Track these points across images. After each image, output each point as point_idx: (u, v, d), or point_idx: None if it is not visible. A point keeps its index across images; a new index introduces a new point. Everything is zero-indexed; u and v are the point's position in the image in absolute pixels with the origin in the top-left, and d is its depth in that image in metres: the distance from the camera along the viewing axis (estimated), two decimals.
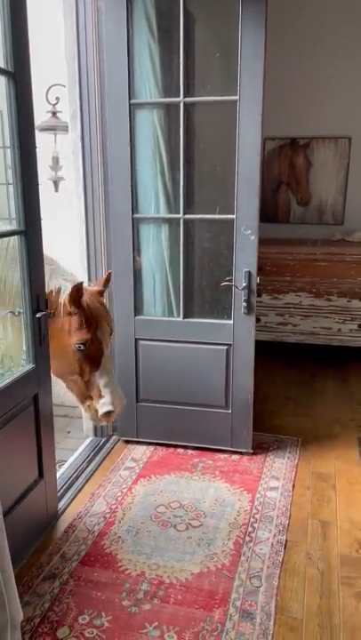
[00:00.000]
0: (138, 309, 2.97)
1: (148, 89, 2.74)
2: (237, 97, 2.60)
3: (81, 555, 2.22)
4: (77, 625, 1.87)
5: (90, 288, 2.49)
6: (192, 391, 2.98)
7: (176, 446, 3.04)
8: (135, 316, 2.95)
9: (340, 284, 4.26)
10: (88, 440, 3.19)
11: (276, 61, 3.91)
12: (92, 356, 2.36)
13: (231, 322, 2.85)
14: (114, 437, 3.19)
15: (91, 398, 2.41)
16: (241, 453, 2.98)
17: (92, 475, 2.81)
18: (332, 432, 3.27)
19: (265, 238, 4.02)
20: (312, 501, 2.58)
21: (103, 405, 2.37)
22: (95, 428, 3.21)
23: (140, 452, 3.01)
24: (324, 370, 4.25)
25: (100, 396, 2.37)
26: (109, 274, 2.60)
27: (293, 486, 2.69)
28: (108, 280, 2.57)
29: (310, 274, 4.30)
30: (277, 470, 2.83)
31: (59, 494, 2.57)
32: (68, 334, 2.34)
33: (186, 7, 2.58)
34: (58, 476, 2.60)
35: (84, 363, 2.36)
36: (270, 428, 3.29)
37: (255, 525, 2.39)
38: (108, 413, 2.37)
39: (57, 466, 2.57)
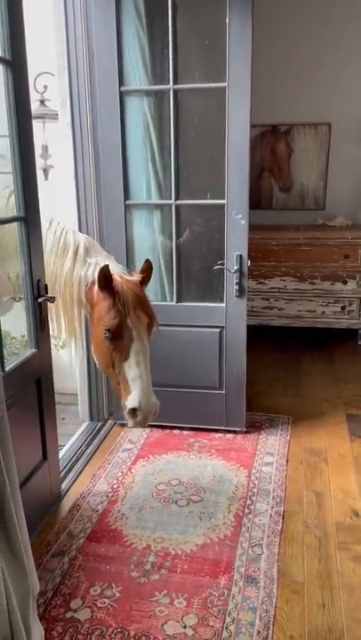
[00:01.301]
0: None
1: (138, 76, 2.78)
2: (226, 84, 2.66)
3: (87, 532, 2.29)
4: (89, 596, 1.94)
5: (128, 277, 2.33)
6: (186, 373, 3.06)
7: (172, 427, 3.12)
8: None
9: (323, 268, 4.37)
10: (84, 425, 3.25)
11: (257, 49, 3.96)
12: (121, 345, 2.17)
13: (224, 305, 2.92)
14: (110, 421, 3.25)
15: (123, 396, 2.22)
16: (235, 432, 3.07)
17: (91, 457, 2.88)
18: (320, 410, 3.38)
19: (249, 224, 4.10)
20: (306, 474, 2.68)
21: (129, 402, 2.17)
22: (91, 413, 3.27)
23: (137, 435, 3.08)
24: (310, 352, 4.37)
25: (129, 392, 2.17)
26: (148, 262, 2.34)
27: (287, 461, 2.79)
28: (147, 269, 2.33)
29: (294, 258, 4.40)
30: (271, 447, 2.93)
31: (61, 476, 2.63)
32: (100, 320, 2.22)
33: None
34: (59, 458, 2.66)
35: (113, 351, 2.19)
36: (262, 407, 3.39)
37: (253, 498, 2.49)
38: (132, 411, 2.16)
39: None
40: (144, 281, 2.33)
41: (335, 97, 4.50)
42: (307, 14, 4.36)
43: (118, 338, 2.17)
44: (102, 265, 2.19)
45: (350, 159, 4.58)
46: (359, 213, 4.65)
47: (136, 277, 2.32)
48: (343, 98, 4.48)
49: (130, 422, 2.21)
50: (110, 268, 2.21)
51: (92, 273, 2.30)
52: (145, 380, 2.18)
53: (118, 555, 2.15)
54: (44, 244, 2.30)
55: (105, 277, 2.16)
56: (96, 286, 2.23)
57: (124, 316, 2.16)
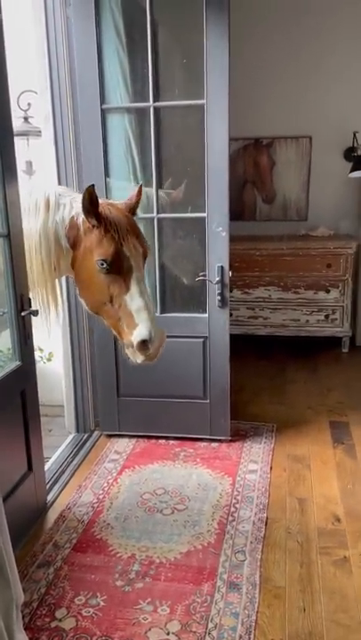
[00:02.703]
0: None
1: (119, 94, 2.85)
2: (204, 101, 2.73)
3: (73, 542, 2.31)
4: (74, 605, 1.97)
5: (116, 202, 2.17)
6: (171, 383, 3.10)
7: (158, 437, 3.15)
8: None
9: (306, 277, 4.45)
10: (71, 436, 3.28)
11: (238, 65, 4.06)
12: (119, 276, 2.01)
13: (206, 315, 2.98)
14: (96, 432, 3.28)
15: (125, 333, 2.05)
16: (220, 441, 3.11)
17: (77, 468, 2.90)
18: (305, 417, 3.44)
19: (233, 235, 4.14)
20: (289, 481, 2.73)
21: (137, 335, 2.00)
22: (77, 425, 3.30)
23: (123, 445, 3.11)
24: (294, 360, 4.43)
25: (134, 325, 2.00)
26: (140, 186, 2.21)
27: (271, 468, 2.84)
28: (137, 196, 2.18)
29: (278, 268, 4.47)
30: (255, 454, 2.98)
31: (47, 487, 2.65)
32: (90, 253, 2.03)
33: (153, 15, 2.69)
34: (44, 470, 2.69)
35: (111, 284, 2.02)
36: (247, 416, 3.44)
37: (237, 506, 2.53)
38: (143, 343, 2.01)
39: None
40: (134, 209, 2.17)
41: (316, 111, 4.60)
42: (288, 30, 4.47)
43: (116, 268, 2.00)
44: (87, 188, 1.94)
45: (331, 171, 4.68)
46: (341, 223, 4.74)
47: (125, 204, 2.15)
48: (323, 111, 4.58)
49: (139, 358, 2.07)
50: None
51: (69, 212, 2.13)
52: (151, 309, 2.04)
53: (103, 564, 2.18)
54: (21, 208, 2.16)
55: (90, 198, 1.96)
56: (80, 218, 2.06)
57: (119, 244, 2.00)
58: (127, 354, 2.12)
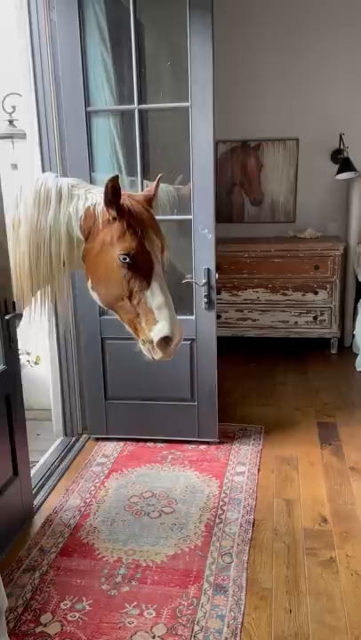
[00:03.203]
0: (103, 310, 3.06)
1: (104, 96, 2.85)
2: (189, 103, 2.73)
3: (59, 547, 2.30)
4: (60, 610, 1.95)
5: (135, 195, 2.08)
6: (159, 386, 3.10)
7: (145, 440, 3.14)
8: (100, 316, 3.04)
9: (294, 279, 4.46)
10: (58, 440, 3.26)
11: (224, 67, 4.09)
12: (141, 271, 1.96)
13: (193, 317, 2.98)
14: (84, 436, 3.27)
15: (143, 329, 2.01)
16: (208, 443, 3.11)
17: (64, 472, 2.89)
18: (293, 419, 3.44)
19: (222, 238, 4.18)
20: (276, 482, 2.73)
21: (158, 331, 1.96)
22: (65, 428, 3.29)
23: (111, 449, 3.10)
24: (283, 361, 4.44)
25: (155, 321, 1.96)
26: (159, 179, 2.14)
27: (259, 470, 2.84)
28: (157, 186, 2.12)
29: (266, 270, 4.48)
30: (243, 456, 2.98)
31: (33, 492, 2.64)
32: (111, 247, 1.96)
33: (136, 18, 2.70)
34: (31, 474, 2.67)
35: (132, 280, 1.96)
36: (235, 418, 3.44)
37: (224, 508, 2.52)
38: (164, 340, 1.97)
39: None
40: (151, 201, 2.09)
41: (302, 113, 4.63)
42: (275, 32, 4.49)
43: (138, 263, 1.94)
44: (108, 180, 1.85)
45: (318, 173, 4.70)
46: (328, 225, 4.76)
47: (144, 195, 2.08)
48: (310, 114, 4.61)
49: (158, 354, 2.03)
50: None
51: (83, 204, 2.03)
52: (172, 306, 2.00)
53: (89, 568, 2.17)
54: (28, 201, 2.06)
55: (114, 189, 1.88)
56: (98, 208, 1.98)
57: (141, 239, 1.94)
58: (143, 350, 2.07)
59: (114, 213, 1.93)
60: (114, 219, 1.94)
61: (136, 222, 1.94)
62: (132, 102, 2.80)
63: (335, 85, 4.53)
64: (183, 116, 2.78)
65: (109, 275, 1.99)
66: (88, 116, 2.83)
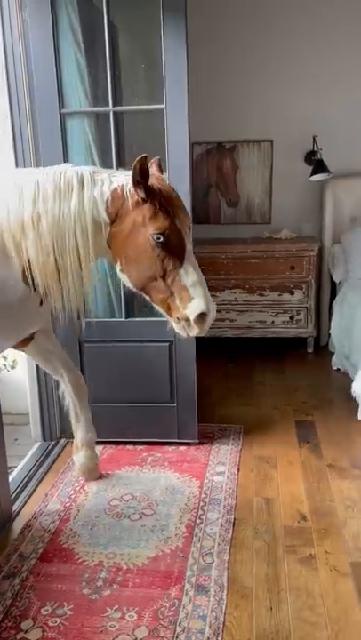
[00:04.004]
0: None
1: (79, 98, 2.84)
2: (164, 105, 2.74)
3: (39, 552, 2.28)
4: (40, 616, 1.94)
5: (158, 174, 2.09)
6: (138, 388, 3.09)
7: (125, 443, 3.13)
8: (78, 318, 3.02)
9: (271, 280, 4.50)
10: (37, 445, 3.23)
11: (199, 69, 4.11)
12: (174, 249, 1.98)
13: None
14: (63, 440, 3.24)
15: (177, 307, 2.02)
16: (188, 444, 3.11)
17: (43, 477, 2.86)
18: (271, 418, 3.47)
19: (198, 239, 4.19)
20: (256, 481, 2.75)
21: (195, 308, 1.98)
22: (43, 433, 3.26)
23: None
24: (261, 361, 4.47)
25: (190, 298, 1.98)
26: (158, 160, 2.17)
27: (238, 470, 2.85)
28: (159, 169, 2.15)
29: (243, 271, 4.51)
30: (223, 456, 2.99)
31: (12, 497, 2.61)
32: (143, 227, 1.96)
33: (110, 19, 2.69)
34: (9, 480, 2.64)
35: (165, 259, 1.97)
36: (214, 418, 3.45)
37: (205, 508, 2.53)
38: (201, 316, 1.99)
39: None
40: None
41: (276, 115, 4.68)
42: (248, 35, 4.53)
43: (171, 242, 1.96)
44: (135, 160, 1.86)
45: (292, 174, 4.75)
46: (303, 226, 4.81)
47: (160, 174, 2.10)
48: (284, 116, 4.66)
49: (194, 331, 2.05)
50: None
51: (108, 187, 2.00)
52: (205, 283, 2.03)
53: (70, 573, 2.15)
54: (48, 193, 2.00)
55: (142, 169, 1.88)
56: (127, 189, 1.96)
57: (173, 217, 1.97)
58: (176, 328, 2.09)
59: (143, 194, 1.93)
60: (143, 199, 1.94)
61: (167, 202, 1.96)
62: (107, 104, 2.79)
63: (308, 88, 4.58)
64: (158, 118, 2.79)
65: (142, 255, 2.00)
66: (62, 117, 2.82)
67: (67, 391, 2.68)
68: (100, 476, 2.82)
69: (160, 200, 1.95)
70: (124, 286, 2.97)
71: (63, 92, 2.81)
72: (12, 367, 3.46)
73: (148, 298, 2.12)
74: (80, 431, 2.73)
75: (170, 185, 2.06)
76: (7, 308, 2.13)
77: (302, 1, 4.44)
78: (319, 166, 4.45)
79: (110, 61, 2.72)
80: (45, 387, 3.20)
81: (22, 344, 2.48)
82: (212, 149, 4.85)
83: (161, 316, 2.99)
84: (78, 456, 2.75)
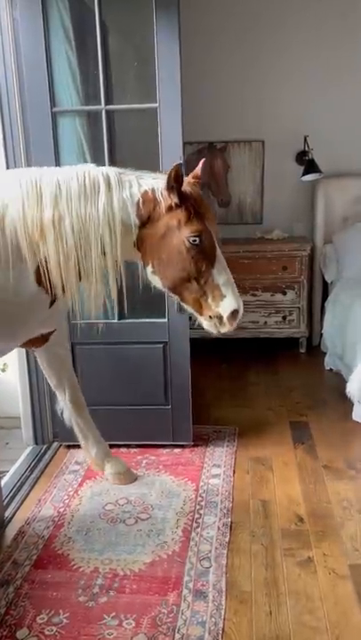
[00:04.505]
0: (73, 314, 3.00)
1: (70, 96, 2.80)
2: (157, 104, 2.71)
3: (33, 559, 2.23)
4: (36, 625, 1.90)
5: (189, 178, 2.14)
6: (132, 390, 3.06)
7: (119, 446, 3.09)
8: (70, 321, 2.98)
9: (263, 280, 4.49)
10: (28, 449, 3.18)
11: (190, 68, 4.07)
12: (207, 251, 2.04)
13: (166, 320, 2.95)
14: (55, 444, 3.19)
15: (209, 306, 2.08)
16: (183, 446, 3.08)
17: (36, 481, 2.82)
18: (266, 419, 3.45)
19: None
20: (252, 483, 2.73)
21: (228, 306, 2.06)
22: (35, 436, 3.21)
23: (83, 456, 3.03)
24: (254, 361, 4.45)
25: (222, 297, 2.06)
26: (204, 162, 2.25)
27: (234, 472, 2.83)
28: (203, 173, 2.22)
29: (236, 271, 4.32)
30: (218, 459, 2.96)
31: (4, 503, 2.56)
32: (178, 231, 2.01)
33: (102, 17, 2.66)
34: (1, 485, 2.59)
35: (199, 260, 2.03)
36: (209, 420, 3.43)
37: (201, 512, 2.50)
38: (234, 313, 2.07)
39: None
40: (199, 182, 2.18)
41: (268, 114, 4.66)
42: (240, 34, 4.51)
43: (205, 244, 2.03)
44: (172, 167, 1.94)
45: (284, 174, 4.74)
46: (295, 226, 4.80)
47: (192, 177, 2.15)
48: (275, 115, 4.65)
49: (225, 328, 2.13)
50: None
51: (138, 189, 2.03)
52: (233, 282, 2.11)
53: (65, 580, 2.11)
54: (72, 193, 1.99)
55: (177, 176, 1.95)
56: (159, 192, 2.01)
57: (205, 221, 2.05)
58: (206, 326, 2.16)
59: (176, 199, 1.99)
60: (176, 204, 2.00)
61: (199, 206, 2.04)
62: (99, 103, 2.76)
63: (300, 88, 4.57)
64: (151, 116, 2.75)
65: (176, 257, 2.05)
66: (54, 116, 2.77)
67: (67, 410, 2.65)
68: (136, 478, 2.80)
69: (193, 205, 2.02)
70: (120, 287, 2.95)
71: (54, 91, 2.76)
72: (3, 370, 3.41)
73: (177, 298, 2.19)
74: (92, 447, 2.72)
75: (199, 190, 2.12)
76: (17, 307, 2.09)
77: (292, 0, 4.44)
78: (311, 166, 4.44)
79: (102, 59, 2.69)
80: (37, 389, 3.15)
81: (34, 344, 2.44)
82: (203, 149, 4.82)
83: (155, 317, 2.99)
84: (106, 470, 2.74)
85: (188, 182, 2.08)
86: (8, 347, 2.31)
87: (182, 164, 1.97)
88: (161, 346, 3.00)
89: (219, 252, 2.08)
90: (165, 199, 2.00)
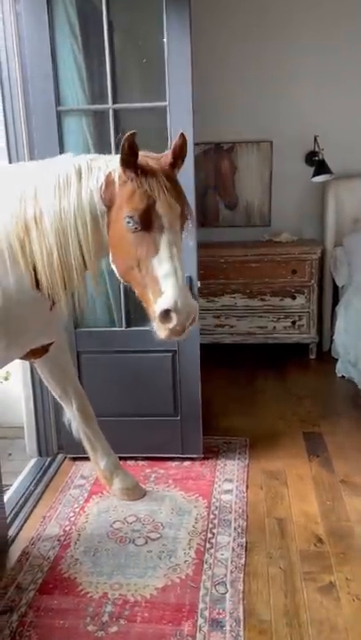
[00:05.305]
0: (78, 321, 2.88)
1: (76, 95, 2.68)
2: (167, 103, 2.59)
3: (38, 583, 2.11)
4: None
5: (155, 155, 1.89)
6: (139, 401, 2.94)
7: (126, 458, 2.96)
8: (76, 328, 2.87)
9: (272, 284, 4.37)
10: (32, 461, 3.06)
11: (197, 68, 3.95)
12: (148, 237, 1.76)
13: None
14: (60, 456, 3.07)
15: (150, 302, 1.79)
16: (192, 459, 2.96)
17: (40, 497, 2.70)
18: (277, 429, 3.33)
19: (196, 242, 4.04)
20: (266, 500, 2.61)
21: (160, 303, 1.74)
22: (39, 448, 3.09)
23: (89, 469, 2.91)
24: (263, 368, 4.33)
25: (160, 292, 1.75)
26: (183, 137, 1.87)
27: (247, 487, 2.71)
28: (180, 147, 1.86)
29: (243, 275, 4.38)
30: (229, 472, 2.84)
31: (7, 521, 2.44)
32: (120, 209, 1.78)
33: (109, 12, 2.54)
34: (5, 501, 2.47)
35: (139, 246, 1.76)
36: (218, 430, 3.30)
37: (214, 531, 2.38)
38: (165, 314, 1.75)
39: None
40: (176, 163, 1.87)
41: (276, 115, 4.54)
42: (248, 33, 4.39)
43: (145, 227, 1.75)
44: (124, 137, 1.70)
45: (292, 176, 4.62)
46: (304, 229, 4.69)
47: (167, 157, 1.86)
48: (284, 115, 4.52)
49: (162, 332, 1.80)
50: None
51: (104, 172, 1.84)
52: (180, 276, 1.76)
53: (73, 607, 1.99)
54: (49, 188, 1.86)
55: (131, 147, 1.72)
56: (116, 172, 1.79)
57: (152, 201, 1.75)
58: (155, 327, 1.84)
59: (132, 174, 1.75)
60: (131, 180, 1.76)
61: (149, 182, 1.75)
62: (106, 101, 2.64)
63: (309, 87, 4.45)
64: (159, 116, 2.64)
65: (121, 242, 1.82)
66: (59, 115, 2.66)
67: (75, 420, 2.54)
68: (145, 493, 2.67)
69: (141, 179, 1.75)
70: (125, 293, 2.83)
71: (59, 89, 2.65)
72: (6, 379, 3.29)
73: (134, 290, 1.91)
74: (101, 460, 2.59)
75: (168, 167, 1.83)
76: (16, 315, 1.98)
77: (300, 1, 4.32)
78: (321, 167, 4.32)
79: (110, 56, 2.57)
80: (42, 399, 3.03)
81: (34, 355, 2.32)
82: (210, 150, 4.70)
83: None
84: (114, 484, 2.61)
85: (146, 155, 1.84)
86: (12, 355, 2.20)
87: (135, 133, 1.71)
88: (170, 354, 2.88)
89: (167, 238, 1.77)
90: (121, 176, 1.78)
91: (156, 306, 1.76)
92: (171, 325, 1.76)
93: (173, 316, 1.74)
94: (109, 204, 1.83)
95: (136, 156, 1.76)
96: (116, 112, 2.65)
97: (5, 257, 1.89)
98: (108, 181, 1.83)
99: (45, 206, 1.85)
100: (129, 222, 1.76)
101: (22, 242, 1.87)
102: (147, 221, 1.75)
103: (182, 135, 1.86)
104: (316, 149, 4.43)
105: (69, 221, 1.85)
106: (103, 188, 1.83)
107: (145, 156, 1.83)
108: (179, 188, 1.85)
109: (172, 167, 1.85)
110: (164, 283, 1.74)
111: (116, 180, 1.80)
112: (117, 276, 1.94)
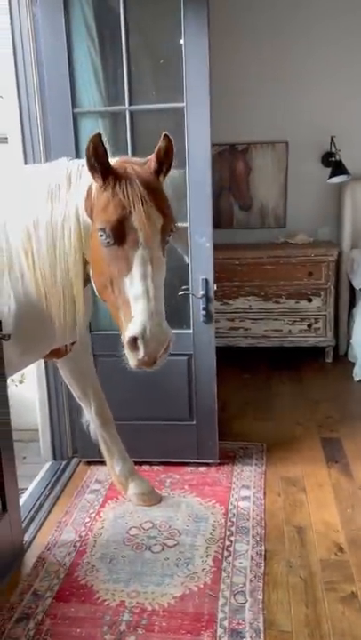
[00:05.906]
0: (93, 325, 2.86)
1: (92, 97, 2.66)
2: (184, 104, 2.56)
3: (54, 590, 2.09)
4: None
5: (137, 160, 1.74)
6: (154, 405, 2.91)
7: (141, 463, 2.93)
8: (91, 331, 2.84)
9: (287, 286, 4.32)
10: (47, 465, 3.04)
11: (212, 69, 3.92)
12: (121, 253, 1.57)
13: (191, 331, 2.80)
14: (74, 460, 3.05)
15: (123, 325, 1.64)
16: (208, 464, 2.92)
17: (55, 502, 2.67)
18: (294, 434, 3.28)
19: None
20: (285, 507, 2.56)
21: (129, 329, 1.57)
22: (54, 451, 3.07)
23: (105, 473, 2.88)
24: (278, 372, 4.28)
25: (130, 317, 1.58)
26: (167, 138, 1.69)
27: (265, 494, 2.66)
28: (166, 150, 1.69)
29: (258, 277, 4.33)
30: (246, 479, 2.80)
31: (23, 526, 2.42)
32: (95, 221, 1.65)
33: (127, 13, 2.51)
34: (20, 505, 2.45)
35: (112, 263, 1.59)
36: (233, 434, 3.26)
37: (232, 539, 2.34)
38: (132, 342, 1.58)
39: None
40: (161, 168, 1.69)
41: (292, 115, 4.50)
42: (263, 34, 4.36)
43: (118, 241, 1.58)
44: (91, 137, 1.56)
45: (308, 177, 4.57)
46: (320, 230, 4.63)
47: (150, 162, 1.69)
48: (299, 116, 4.48)
49: (131, 361, 1.64)
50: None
51: (88, 180, 1.70)
52: (152, 298, 1.56)
53: (90, 615, 1.96)
54: (42, 196, 1.81)
55: (96, 150, 1.55)
56: (95, 184, 1.65)
57: (127, 212, 1.57)
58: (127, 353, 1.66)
59: (99, 180, 1.59)
60: (102, 187, 1.61)
61: (123, 190, 1.58)
62: (122, 103, 2.61)
63: (325, 87, 4.40)
64: (176, 118, 2.61)
65: (95, 257, 1.67)
66: (75, 117, 2.64)
67: (93, 423, 2.54)
68: (161, 499, 2.64)
69: (115, 188, 1.58)
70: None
71: (76, 91, 2.63)
72: (21, 382, 3.27)
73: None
74: (117, 465, 2.58)
75: (150, 173, 1.67)
76: (29, 323, 1.98)
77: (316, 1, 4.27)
78: (338, 168, 4.27)
79: (127, 58, 2.55)
80: (57, 402, 3.01)
81: (56, 355, 2.32)
82: (225, 151, 4.67)
83: (180, 327, 2.83)
84: (130, 489, 2.59)
85: (126, 160, 1.70)
86: (28, 360, 2.20)
87: (100, 135, 1.56)
88: (185, 358, 2.84)
89: (143, 254, 1.57)
90: (100, 185, 1.62)
91: (126, 332, 1.60)
92: (139, 356, 1.59)
93: (140, 345, 1.57)
94: (91, 215, 1.72)
95: (103, 159, 1.59)
96: (132, 113, 2.63)
97: (15, 264, 1.88)
98: (90, 191, 1.72)
99: (41, 213, 1.80)
100: (102, 235, 1.60)
101: (26, 250, 1.85)
102: (119, 235, 1.58)
103: (166, 136, 1.69)
104: (333, 150, 4.38)
105: (58, 230, 1.76)
106: (85, 196, 1.73)
107: (126, 162, 1.70)
108: (161, 198, 1.66)
109: (156, 174, 1.69)
110: (135, 306, 1.57)
111: (94, 188, 1.68)
112: (97, 293, 1.80)
